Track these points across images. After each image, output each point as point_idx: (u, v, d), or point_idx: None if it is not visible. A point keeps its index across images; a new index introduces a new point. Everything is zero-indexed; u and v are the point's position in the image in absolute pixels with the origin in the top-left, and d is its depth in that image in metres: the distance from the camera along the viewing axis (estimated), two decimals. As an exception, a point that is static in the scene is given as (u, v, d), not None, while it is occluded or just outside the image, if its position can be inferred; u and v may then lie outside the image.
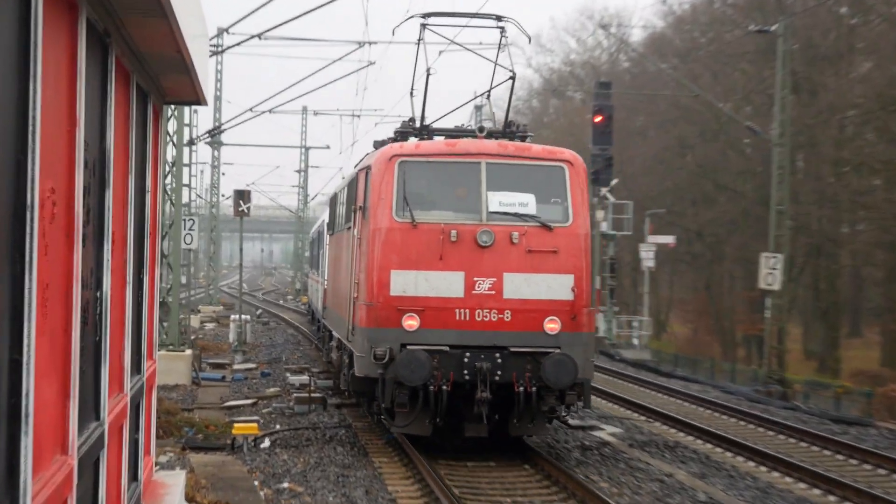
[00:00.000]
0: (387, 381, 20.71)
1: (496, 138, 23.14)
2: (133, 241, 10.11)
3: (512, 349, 20.86)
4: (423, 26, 24.09)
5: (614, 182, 59.96)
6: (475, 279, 21.11)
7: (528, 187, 21.70)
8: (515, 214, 21.46)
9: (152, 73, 10.87)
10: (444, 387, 20.57)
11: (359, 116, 68.07)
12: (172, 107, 33.76)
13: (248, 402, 29.40)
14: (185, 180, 41.01)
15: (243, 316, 45.59)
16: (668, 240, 64.14)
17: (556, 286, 21.27)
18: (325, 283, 34.99)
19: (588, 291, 21.52)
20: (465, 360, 20.70)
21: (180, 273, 36.20)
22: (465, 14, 24.52)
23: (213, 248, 76.95)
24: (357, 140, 70.13)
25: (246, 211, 38.54)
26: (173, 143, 35.73)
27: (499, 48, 23.80)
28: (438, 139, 23.35)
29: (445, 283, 21.07)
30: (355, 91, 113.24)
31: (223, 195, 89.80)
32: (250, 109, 44.27)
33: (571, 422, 27.22)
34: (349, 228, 24.52)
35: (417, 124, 24.39)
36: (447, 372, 20.63)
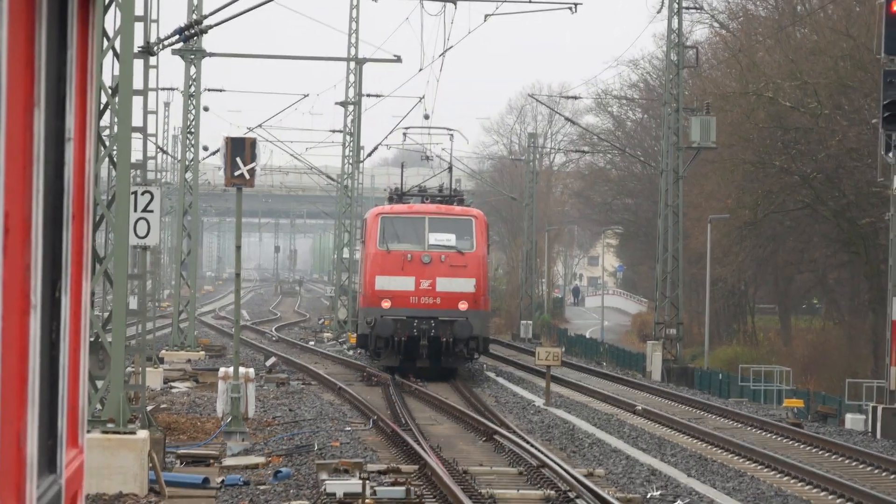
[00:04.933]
0: (372, 335, 42.62)
1: (442, 199, 45.84)
2: (40, 230, 5.99)
3: (440, 318, 41.99)
4: (405, 134, 57.40)
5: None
6: (421, 280, 42.39)
7: (451, 230, 43.33)
8: (443, 245, 42.95)
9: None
10: (403, 338, 42.04)
11: (454, 2, 36.21)
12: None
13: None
14: (138, 121, 21.44)
15: (243, 370, 29.64)
16: None
17: (465, 284, 42.48)
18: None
19: (484, 287, 43.42)
20: (415, 324, 41.98)
21: (127, 291, 21.72)
22: (431, 127, 57.63)
23: (189, 246, 51.19)
24: (451, 46, 45.55)
25: (248, 176, 25.45)
26: (115, 54, 21.29)
27: (451, 147, 52.76)
28: (415, 199, 46.93)
29: (404, 283, 42.43)
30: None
31: (206, 148, 60.95)
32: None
33: None
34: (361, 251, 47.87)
35: (400, 192, 48.24)
36: (404, 331, 42.02)
